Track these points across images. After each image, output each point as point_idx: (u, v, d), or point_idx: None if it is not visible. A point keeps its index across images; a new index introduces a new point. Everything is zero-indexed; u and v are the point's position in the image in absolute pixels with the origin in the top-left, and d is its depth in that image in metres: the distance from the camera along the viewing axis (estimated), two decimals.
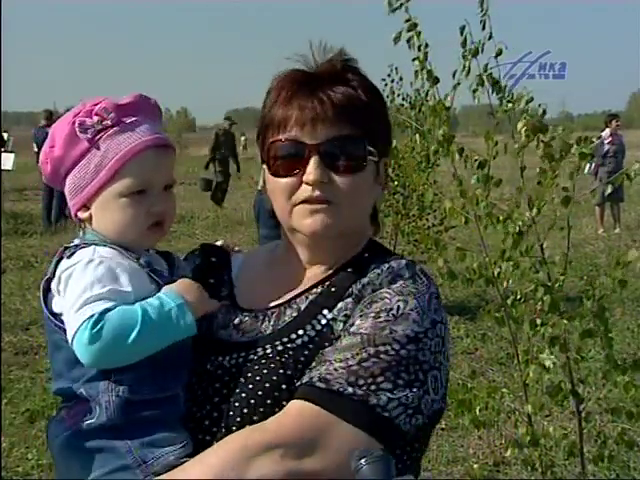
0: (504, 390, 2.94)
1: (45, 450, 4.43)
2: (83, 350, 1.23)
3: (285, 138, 1.33)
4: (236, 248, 1.59)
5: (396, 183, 7.63)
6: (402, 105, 7.92)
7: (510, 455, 3.19)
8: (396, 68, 8.01)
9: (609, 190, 11.77)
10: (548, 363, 2.65)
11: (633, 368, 2.67)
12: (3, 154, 14.54)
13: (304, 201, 1.32)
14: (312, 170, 1.30)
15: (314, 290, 1.38)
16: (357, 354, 1.23)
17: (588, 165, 12.74)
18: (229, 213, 15.27)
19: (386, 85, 7.95)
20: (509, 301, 2.75)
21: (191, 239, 11.64)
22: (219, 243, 1.59)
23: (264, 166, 1.41)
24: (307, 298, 1.37)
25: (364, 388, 1.20)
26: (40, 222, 13.59)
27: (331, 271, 1.39)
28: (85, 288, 1.25)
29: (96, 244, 1.31)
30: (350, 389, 1.20)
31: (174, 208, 1.38)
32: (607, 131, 13.18)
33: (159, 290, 1.31)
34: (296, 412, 1.21)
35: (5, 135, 15.86)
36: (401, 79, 7.98)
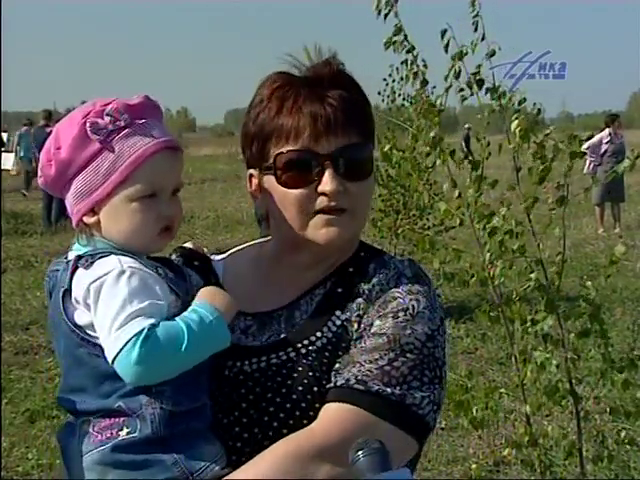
0: (502, 390, 2.95)
1: (45, 450, 4.44)
2: (131, 369, 1.18)
3: (298, 149, 1.30)
4: (205, 249, 1.55)
5: (397, 183, 7.63)
6: (403, 105, 7.90)
7: (509, 455, 3.20)
8: (397, 68, 7.99)
9: (596, 189, 11.87)
10: (541, 359, 2.65)
11: (629, 367, 2.68)
12: (3, 154, 14.55)
13: (319, 211, 1.31)
14: (329, 181, 1.29)
15: (317, 291, 1.38)
16: (385, 354, 1.25)
17: (587, 165, 12.76)
18: (229, 213, 15.27)
19: (387, 85, 7.94)
20: (504, 301, 2.76)
21: (191, 239, 11.64)
22: (189, 245, 1.54)
23: (252, 171, 1.39)
24: (312, 300, 1.37)
25: (398, 388, 1.22)
26: (40, 222, 13.60)
27: (330, 271, 1.39)
28: (124, 302, 1.20)
29: (114, 253, 1.27)
30: (388, 390, 1.22)
31: (182, 212, 1.35)
32: (607, 131, 13.17)
33: (179, 300, 1.28)
34: (340, 415, 1.21)
35: (5, 135, 15.86)
36: (402, 79, 7.96)
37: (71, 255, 1.31)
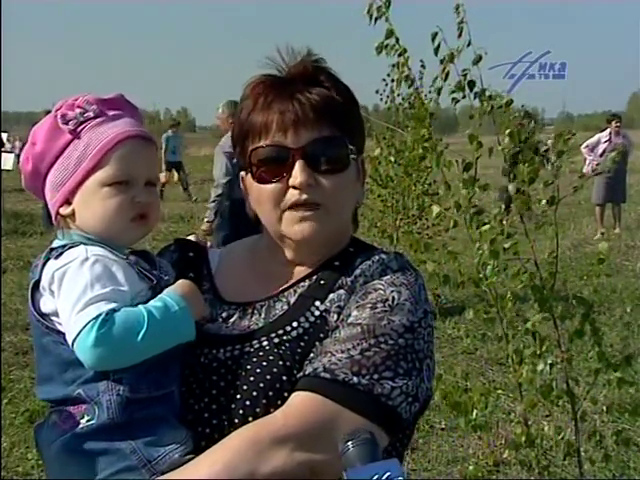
0: (499, 391, 2.96)
1: None
2: (87, 352, 1.20)
3: (268, 144, 1.33)
4: (208, 244, 1.58)
5: (395, 183, 7.63)
6: (401, 104, 7.90)
7: (508, 456, 3.20)
8: (391, 69, 7.93)
9: (597, 189, 11.81)
10: (532, 358, 2.66)
11: (624, 365, 2.69)
12: (3, 154, 14.56)
13: (292, 206, 1.33)
14: (298, 174, 1.31)
15: (302, 284, 1.39)
16: (358, 344, 1.25)
17: (586, 164, 12.77)
18: None
19: (386, 85, 7.93)
20: (500, 301, 2.77)
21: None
22: (192, 238, 1.57)
23: (242, 173, 1.42)
24: (296, 291, 1.38)
25: (368, 377, 1.22)
26: (40, 222, 13.59)
27: (317, 266, 1.40)
28: (85, 287, 1.22)
29: (84, 243, 1.29)
30: (355, 379, 1.22)
31: (158, 205, 1.36)
32: (607, 131, 13.17)
33: (150, 288, 1.30)
34: (303, 403, 1.22)
35: (5, 135, 15.85)
36: (392, 81, 7.92)
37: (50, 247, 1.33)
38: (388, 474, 0.91)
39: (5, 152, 15.18)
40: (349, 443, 0.96)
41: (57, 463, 1.27)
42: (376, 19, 2.85)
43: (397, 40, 2.90)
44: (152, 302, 1.25)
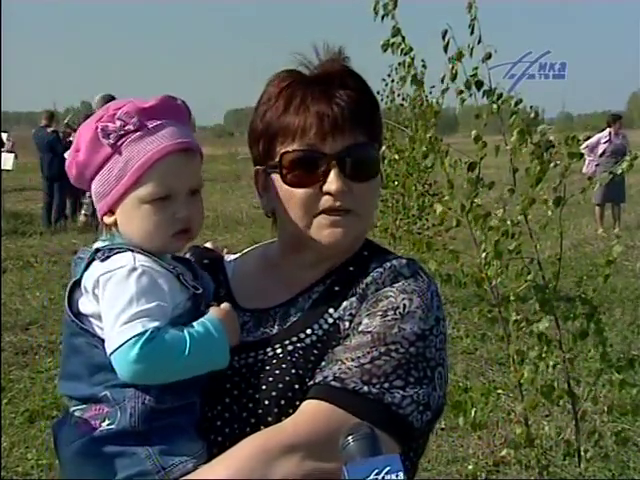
0: (499, 391, 2.96)
1: (45, 450, 4.44)
2: (126, 366, 1.20)
3: (304, 148, 1.31)
4: (225, 250, 1.58)
5: (396, 183, 7.64)
6: (402, 105, 7.91)
7: (507, 455, 3.20)
8: (396, 68, 7.96)
9: (597, 189, 11.85)
10: (535, 358, 2.66)
11: (627, 367, 2.69)
12: (3, 154, 14.55)
13: (324, 211, 1.32)
14: (334, 180, 1.30)
15: (315, 289, 1.38)
16: (368, 353, 1.24)
17: (585, 164, 12.76)
18: (229, 213, 15.25)
19: (387, 85, 7.93)
20: (502, 301, 2.77)
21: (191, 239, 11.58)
22: (209, 245, 1.57)
23: (259, 168, 1.40)
24: (310, 297, 1.38)
25: (378, 386, 1.22)
26: (40, 222, 13.59)
27: (331, 270, 1.40)
28: (131, 300, 1.22)
29: (131, 250, 1.28)
30: (365, 388, 1.21)
31: (200, 213, 1.35)
32: (606, 131, 13.18)
33: (189, 299, 1.29)
34: (313, 412, 1.21)
35: (5, 135, 15.84)
36: (398, 81, 7.94)
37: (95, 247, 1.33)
38: (388, 468, 0.91)
39: (5, 152, 15.15)
40: (349, 437, 0.95)
41: (73, 464, 1.27)
42: (382, 16, 2.84)
43: (403, 38, 2.89)
44: (195, 325, 1.25)
